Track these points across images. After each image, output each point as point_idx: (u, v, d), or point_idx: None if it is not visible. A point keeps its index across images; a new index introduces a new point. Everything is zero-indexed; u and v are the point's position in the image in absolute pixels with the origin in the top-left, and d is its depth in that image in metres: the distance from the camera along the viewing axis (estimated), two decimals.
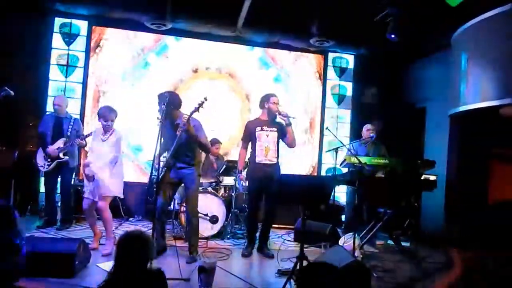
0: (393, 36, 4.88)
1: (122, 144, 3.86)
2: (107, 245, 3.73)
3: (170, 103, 3.41)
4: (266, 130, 4.06)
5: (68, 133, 4.51)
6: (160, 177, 3.44)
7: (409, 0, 4.74)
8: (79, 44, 5.71)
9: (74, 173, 4.83)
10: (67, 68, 5.66)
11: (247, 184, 4.30)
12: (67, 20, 5.67)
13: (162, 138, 3.59)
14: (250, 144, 4.15)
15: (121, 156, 3.86)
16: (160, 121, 3.17)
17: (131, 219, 5.41)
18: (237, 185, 4.85)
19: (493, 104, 4.03)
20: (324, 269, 1.86)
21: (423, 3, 4.64)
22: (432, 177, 4.37)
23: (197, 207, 3.78)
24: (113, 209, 4.31)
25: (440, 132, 5.50)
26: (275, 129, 4.08)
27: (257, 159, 4.02)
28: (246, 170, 4.32)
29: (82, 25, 5.72)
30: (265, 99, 4.12)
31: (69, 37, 5.68)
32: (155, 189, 3.32)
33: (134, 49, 5.93)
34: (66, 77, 5.67)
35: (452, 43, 5.08)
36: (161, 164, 3.52)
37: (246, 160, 4.28)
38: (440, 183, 4.56)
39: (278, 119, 4.09)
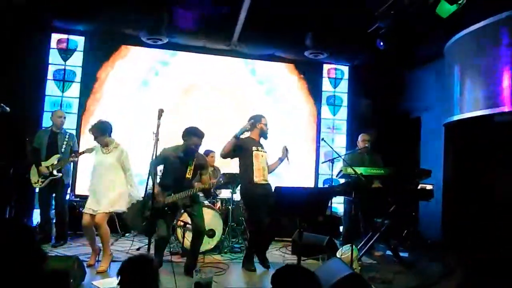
0: (381, 44, 4.94)
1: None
2: (103, 262, 3.68)
3: (184, 134, 3.66)
4: (261, 151, 4.05)
5: (63, 150, 4.51)
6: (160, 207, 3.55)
7: (401, 11, 4.81)
8: (76, 59, 5.75)
9: (69, 189, 4.81)
10: (64, 83, 5.69)
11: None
12: (64, 36, 5.72)
13: (170, 169, 3.72)
14: (239, 160, 4.02)
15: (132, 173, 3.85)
16: (155, 136, 3.17)
17: (127, 234, 5.35)
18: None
19: (485, 113, 4.07)
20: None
21: (415, 14, 4.71)
22: (429, 187, 4.37)
23: (204, 225, 3.76)
24: (109, 224, 4.26)
25: (436, 141, 5.52)
26: (265, 151, 4.10)
27: (255, 179, 3.93)
28: (240, 190, 4.21)
29: (79, 41, 5.78)
30: (258, 120, 4.08)
31: (66, 53, 5.72)
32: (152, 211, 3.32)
33: (133, 65, 5.95)
34: (62, 92, 5.69)
35: (445, 53, 5.15)
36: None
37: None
38: (437, 192, 4.57)
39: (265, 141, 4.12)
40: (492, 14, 4.19)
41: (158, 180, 3.77)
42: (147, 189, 3.34)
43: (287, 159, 4.10)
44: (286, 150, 4.11)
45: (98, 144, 3.82)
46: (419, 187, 4.40)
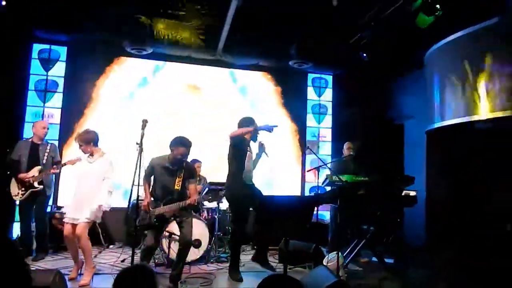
0: (364, 55, 5.05)
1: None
2: (86, 275, 3.60)
3: (172, 144, 3.60)
4: (251, 152, 4.07)
5: (44, 161, 4.41)
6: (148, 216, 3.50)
7: (383, 22, 4.93)
8: (58, 69, 5.68)
9: (50, 200, 4.69)
10: (45, 93, 5.60)
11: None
12: (46, 46, 5.65)
13: (158, 179, 3.67)
14: (233, 157, 3.95)
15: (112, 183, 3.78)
16: (139, 146, 3.14)
17: (111, 246, 5.25)
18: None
19: (463, 121, 4.19)
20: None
21: (396, 24, 4.84)
22: (412, 193, 4.44)
23: (191, 237, 3.68)
24: (93, 235, 4.19)
25: (419, 148, 5.63)
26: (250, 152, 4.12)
27: (246, 180, 3.95)
28: (227, 189, 4.12)
29: (61, 51, 5.71)
30: (252, 122, 4.05)
31: (48, 63, 5.65)
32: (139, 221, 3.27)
33: (118, 75, 5.91)
34: (44, 102, 5.60)
35: (425, 62, 5.30)
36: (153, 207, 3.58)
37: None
38: (421, 198, 4.64)
39: (255, 144, 4.11)
40: (469, 24, 4.35)
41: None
42: (131, 200, 3.30)
43: (265, 153, 4.08)
44: (261, 145, 4.07)
45: (83, 154, 3.76)
46: (403, 194, 4.47)
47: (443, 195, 5.11)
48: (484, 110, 4.08)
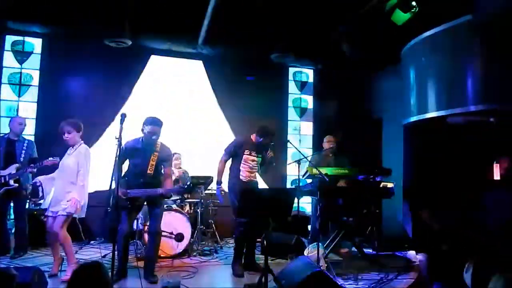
0: (348, 51, 5.14)
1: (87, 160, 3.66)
2: (68, 270, 3.55)
3: (142, 125, 3.59)
4: (254, 156, 4.11)
5: (21, 158, 4.28)
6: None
7: (360, 18, 5.01)
8: (33, 61, 5.50)
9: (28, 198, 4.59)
10: (20, 87, 5.43)
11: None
12: (20, 38, 5.47)
13: (131, 162, 3.66)
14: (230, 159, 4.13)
15: (86, 174, 3.65)
16: (118, 141, 3.11)
17: (92, 241, 5.19)
18: (216, 196, 4.37)
19: (439, 115, 4.33)
20: None
21: (374, 20, 4.92)
22: (390, 185, 4.58)
23: (159, 227, 3.71)
24: (73, 231, 4.13)
25: (396, 141, 5.77)
26: (260, 156, 4.18)
27: (242, 177, 4.04)
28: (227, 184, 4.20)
29: (36, 43, 5.54)
30: (269, 132, 4.14)
31: (22, 55, 5.46)
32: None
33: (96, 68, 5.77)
34: (19, 96, 5.43)
35: (401, 57, 5.42)
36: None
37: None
38: (399, 190, 4.77)
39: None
40: (445, 20, 4.46)
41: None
42: (112, 198, 3.25)
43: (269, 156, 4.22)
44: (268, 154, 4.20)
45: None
46: (381, 185, 4.60)
47: (419, 187, 5.27)
48: (459, 104, 4.22)
